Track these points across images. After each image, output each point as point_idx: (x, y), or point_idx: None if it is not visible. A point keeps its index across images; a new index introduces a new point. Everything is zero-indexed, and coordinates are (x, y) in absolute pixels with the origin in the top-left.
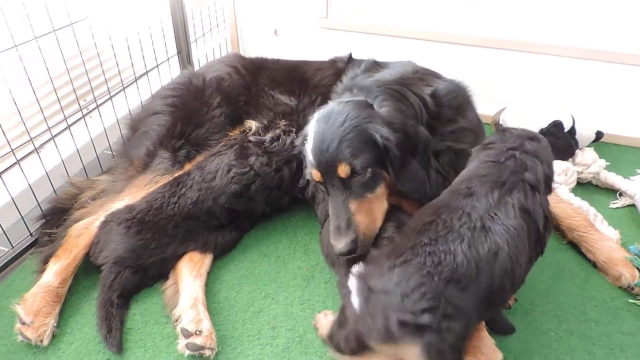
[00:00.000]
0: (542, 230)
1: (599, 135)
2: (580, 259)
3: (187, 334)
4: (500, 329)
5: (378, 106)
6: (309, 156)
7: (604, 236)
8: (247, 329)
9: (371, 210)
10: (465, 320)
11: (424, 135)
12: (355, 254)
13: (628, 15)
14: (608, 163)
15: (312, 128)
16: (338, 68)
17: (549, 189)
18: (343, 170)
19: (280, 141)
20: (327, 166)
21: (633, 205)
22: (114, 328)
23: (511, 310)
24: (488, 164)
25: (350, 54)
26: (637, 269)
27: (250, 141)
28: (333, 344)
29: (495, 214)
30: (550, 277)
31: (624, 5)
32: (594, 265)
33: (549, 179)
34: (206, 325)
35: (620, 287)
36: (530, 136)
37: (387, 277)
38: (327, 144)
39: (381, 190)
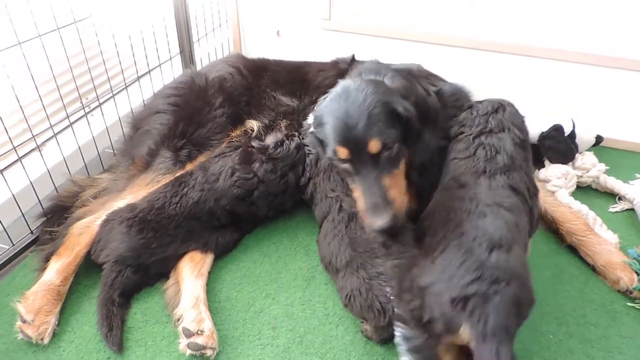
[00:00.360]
0: (530, 202)
1: (599, 139)
2: (580, 262)
3: (188, 334)
4: None
5: (389, 83)
6: (332, 134)
7: (602, 240)
8: (247, 329)
9: (400, 186)
10: (517, 283)
11: (434, 104)
12: (394, 232)
13: (627, 20)
14: (608, 167)
15: (329, 107)
16: (340, 69)
17: (527, 151)
18: (375, 145)
19: (284, 146)
20: (355, 143)
21: (632, 210)
22: (114, 327)
23: None
24: (461, 161)
25: (353, 55)
26: (636, 272)
27: (253, 146)
28: None
29: (495, 195)
30: (550, 280)
31: (623, 11)
32: (593, 268)
33: (523, 142)
34: (208, 325)
35: (619, 291)
36: (492, 110)
37: (431, 271)
38: (355, 120)
39: (402, 165)
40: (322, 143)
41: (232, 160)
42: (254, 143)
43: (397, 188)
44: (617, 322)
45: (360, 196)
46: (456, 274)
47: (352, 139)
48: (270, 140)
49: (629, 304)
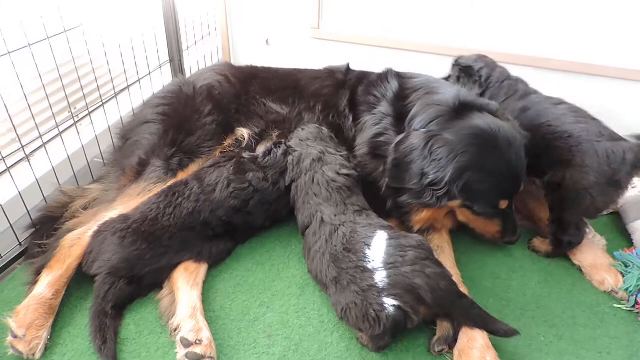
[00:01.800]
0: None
1: None
2: (568, 264)
3: (187, 344)
4: (500, 333)
5: (513, 124)
6: (498, 187)
7: (588, 242)
8: (242, 338)
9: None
10: None
11: None
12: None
13: (613, 30)
14: None
15: (487, 156)
16: (337, 79)
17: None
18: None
19: (272, 154)
20: (515, 193)
21: (617, 213)
22: (108, 339)
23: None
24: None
25: (348, 65)
26: (622, 274)
27: (244, 157)
28: None
29: None
30: (539, 283)
31: (606, 21)
32: (580, 270)
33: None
34: (206, 334)
35: (605, 292)
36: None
37: None
38: (519, 172)
39: None
40: (464, 195)
41: (227, 170)
42: (245, 155)
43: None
44: (605, 323)
45: (497, 225)
46: None
47: (515, 191)
48: (260, 150)
49: (615, 305)
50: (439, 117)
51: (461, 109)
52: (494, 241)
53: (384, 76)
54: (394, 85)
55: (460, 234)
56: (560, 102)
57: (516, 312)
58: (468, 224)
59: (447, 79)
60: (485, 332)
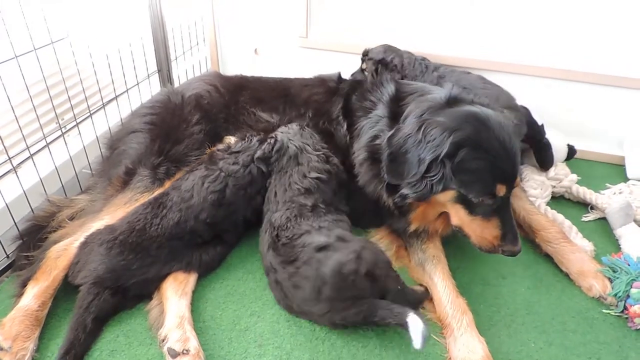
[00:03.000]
0: None
1: (572, 150)
2: (557, 270)
3: (174, 354)
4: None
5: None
6: (493, 170)
7: (576, 248)
8: (233, 348)
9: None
10: None
11: None
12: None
13: (596, 37)
14: (579, 177)
15: (482, 138)
16: (329, 87)
17: None
18: (517, 181)
19: (246, 140)
20: (513, 180)
21: (604, 218)
22: (73, 356)
23: (493, 322)
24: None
25: (339, 74)
26: (609, 280)
27: (218, 150)
28: None
29: None
30: (529, 290)
31: (598, 29)
32: (568, 276)
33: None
34: (193, 343)
35: (594, 297)
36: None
37: None
38: (514, 156)
39: None
40: (460, 177)
41: (200, 171)
42: (220, 146)
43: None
44: (595, 328)
45: (495, 227)
46: None
47: (512, 177)
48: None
49: (604, 310)
50: (430, 108)
51: (453, 102)
52: (492, 252)
53: (380, 81)
54: (390, 88)
55: (450, 239)
56: (468, 72)
57: (506, 318)
58: (462, 230)
59: (363, 71)
60: (484, 343)
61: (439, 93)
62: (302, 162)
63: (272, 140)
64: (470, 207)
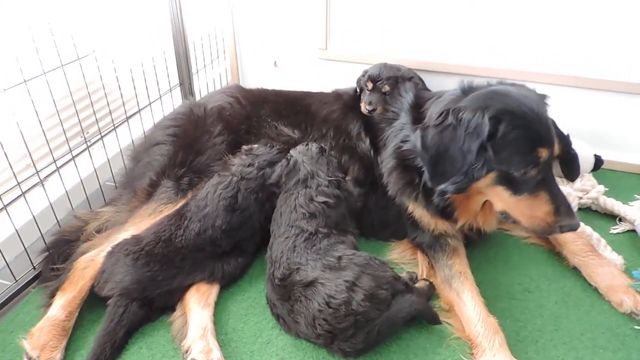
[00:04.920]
0: None
1: (599, 161)
2: (585, 284)
3: None
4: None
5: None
6: (531, 135)
7: (605, 261)
8: None
9: None
10: None
11: None
12: None
13: (622, 44)
14: (607, 189)
15: (511, 106)
16: (345, 101)
17: None
18: (557, 147)
19: (267, 147)
20: (552, 144)
21: (634, 231)
22: None
23: (520, 338)
24: None
25: (356, 88)
26: None
27: (240, 150)
28: None
29: None
30: (556, 304)
31: (620, 36)
32: (597, 290)
33: None
34: (216, 355)
35: (624, 313)
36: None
37: None
38: (546, 120)
39: None
40: (500, 154)
41: (214, 179)
42: (243, 148)
43: None
44: (626, 345)
45: (545, 202)
46: None
47: (551, 139)
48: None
49: (636, 327)
50: (451, 102)
51: (469, 91)
52: (549, 234)
53: (398, 92)
54: (409, 97)
55: (474, 252)
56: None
57: (534, 334)
58: (510, 214)
59: (385, 94)
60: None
61: (454, 90)
62: (311, 185)
63: (285, 163)
64: (514, 186)
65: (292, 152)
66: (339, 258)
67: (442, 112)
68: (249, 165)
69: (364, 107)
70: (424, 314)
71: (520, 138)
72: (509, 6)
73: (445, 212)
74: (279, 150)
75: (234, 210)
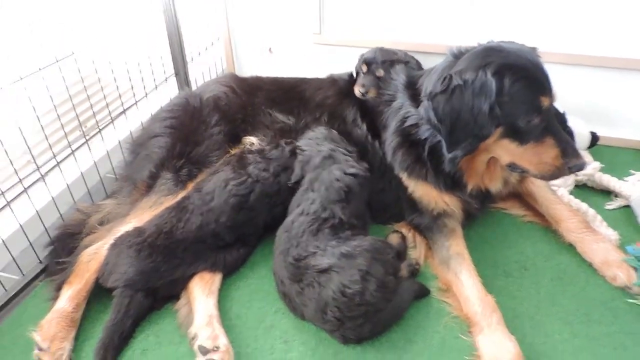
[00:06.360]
0: None
1: (595, 137)
2: (580, 260)
3: (204, 351)
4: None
5: None
6: (533, 86)
7: (600, 237)
8: (260, 345)
9: None
10: None
11: None
12: None
13: (615, 21)
14: (602, 165)
15: (508, 59)
16: (340, 87)
17: None
18: (555, 95)
19: (279, 149)
20: (551, 92)
21: (628, 206)
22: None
23: (517, 314)
24: None
25: (351, 73)
26: (635, 269)
27: (250, 151)
28: None
29: None
30: (552, 281)
31: (615, 11)
32: (592, 266)
33: None
34: (223, 341)
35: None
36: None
37: None
38: (543, 70)
39: None
40: (505, 108)
41: (225, 173)
42: (253, 147)
43: None
44: (620, 319)
45: (551, 146)
46: None
47: (550, 86)
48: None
49: (629, 300)
50: (445, 67)
51: (460, 55)
52: (559, 176)
53: (390, 76)
54: (401, 78)
55: (470, 232)
56: None
57: (530, 310)
58: (518, 165)
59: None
60: (515, 341)
61: (445, 58)
62: (339, 160)
63: (300, 157)
64: (520, 137)
65: (300, 143)
66: (355, 247)
67: (444, 78)
68: (264, 170)
69: (357, 90)
70: (418, 293)
71: (523, 89)
72: None
73: (455, 180)
74: (291, 150)
75: (242, 209)
